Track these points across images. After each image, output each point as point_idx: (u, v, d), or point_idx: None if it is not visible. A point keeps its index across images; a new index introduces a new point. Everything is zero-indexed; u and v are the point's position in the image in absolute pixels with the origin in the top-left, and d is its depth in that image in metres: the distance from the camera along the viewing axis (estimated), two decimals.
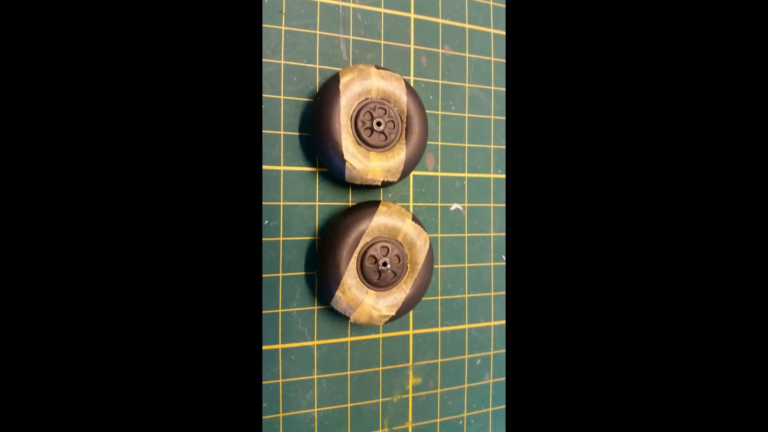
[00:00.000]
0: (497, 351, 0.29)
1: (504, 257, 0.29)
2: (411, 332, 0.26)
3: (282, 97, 0.23)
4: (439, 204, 0.27)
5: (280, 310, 0.23)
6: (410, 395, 0.26)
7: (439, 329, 0.27)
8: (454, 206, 0.28)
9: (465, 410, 0.28)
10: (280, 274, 0.23)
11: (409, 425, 0.26)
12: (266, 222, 0.23)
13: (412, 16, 0.26)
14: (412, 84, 0.26)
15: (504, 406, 0.29)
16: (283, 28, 0.23)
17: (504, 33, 0.29)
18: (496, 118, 0.29)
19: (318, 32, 0.24)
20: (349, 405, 0.25)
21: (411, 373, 0.26)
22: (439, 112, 0.27)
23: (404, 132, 0.24)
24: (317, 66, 0.24)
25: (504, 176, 0.29)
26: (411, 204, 0.26)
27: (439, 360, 0.27)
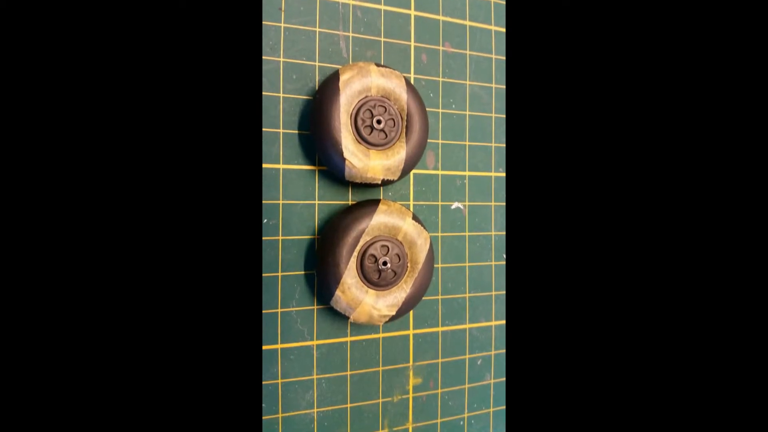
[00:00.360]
0: (498, 351, 0.29)
1: (505, 256, 0.29)
2: (411, 332, 0.26)
3: (281, 94, 0.23)
4: (440, 203, 0.27)
5: (279, 310, 0.23)
6: (410, 395, 0.26)
7: (440, 329, 0.27)
8: (455, 205, 0.27)
9: (466, 411, 0.28)
10: (279, 274, 0.23)
11: (410, 426, 0.26)
12: (265, 221, 0.23)
13: (413, 12, 0.26)
14: (412, 82, 0.26)
15: (505, 407, 0.29)
16: (282, 25, 0.23)
17: (505, 30, 0.29)
18: (497, 116, 0.29)
19: (317, 29, 0.24)
20: (348, 405, 0.24)
21: (411, 373, 0.26)
22: (440, 110, 0.27)
23: (404, 130, 0.23)
24: (317, 63, 0.24)
25: (505, 174, 0.29)
26: (411, 203, 0.26)
27: (440, 360, 0.27)
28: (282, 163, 0.23)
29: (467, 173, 0.28)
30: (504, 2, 0.29)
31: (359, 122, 0.22)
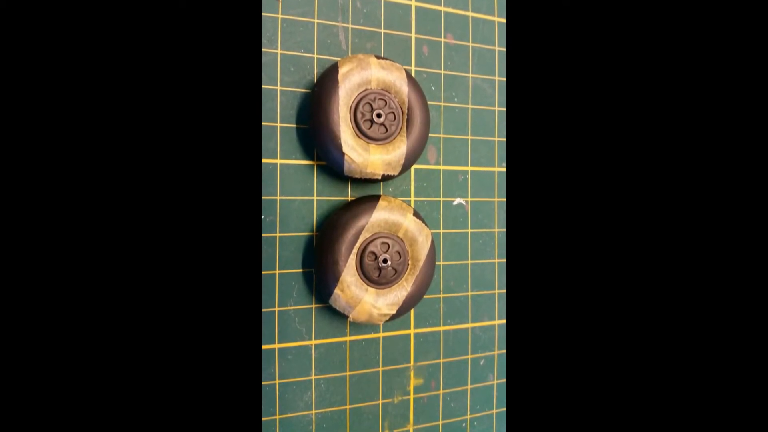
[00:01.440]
0: (501, 351, 0.28)
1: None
2: (412, 331, 0.26)
3: (279, 87, 0.23)
4: (442, 198, 0.26)
5: (276, 309, 0.23)
6: (411, 396, 0.25)
7: (441, 328, 0.26)
8: (457, 201, 0.27)
9: (468, 412, 0.27)
10: (277, 271, 0.23)
11: (411, 427, 0.25)
12: (263, 217, 0.22)
13: (413, 3, 0.26)
14: (413, 74, 0.25)
15: None
16: (280, 16, 0.23)
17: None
18: (500, 109, 0.28)
19: (316, 21, 0.23)
20: (348, 407, 0.24)
21: (412, 373, 0.25)
22: (442, 104, 0.26)
23: (405, 124, 0.23)
24: (315, 56, 0.23)
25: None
26: (412, 199, 0.25)
27: (441, 360, 0.26)
28: (279, 158, 0.23)
29: (470, 168, 0.27)
30: None
31: (359, 116, 0.22)
